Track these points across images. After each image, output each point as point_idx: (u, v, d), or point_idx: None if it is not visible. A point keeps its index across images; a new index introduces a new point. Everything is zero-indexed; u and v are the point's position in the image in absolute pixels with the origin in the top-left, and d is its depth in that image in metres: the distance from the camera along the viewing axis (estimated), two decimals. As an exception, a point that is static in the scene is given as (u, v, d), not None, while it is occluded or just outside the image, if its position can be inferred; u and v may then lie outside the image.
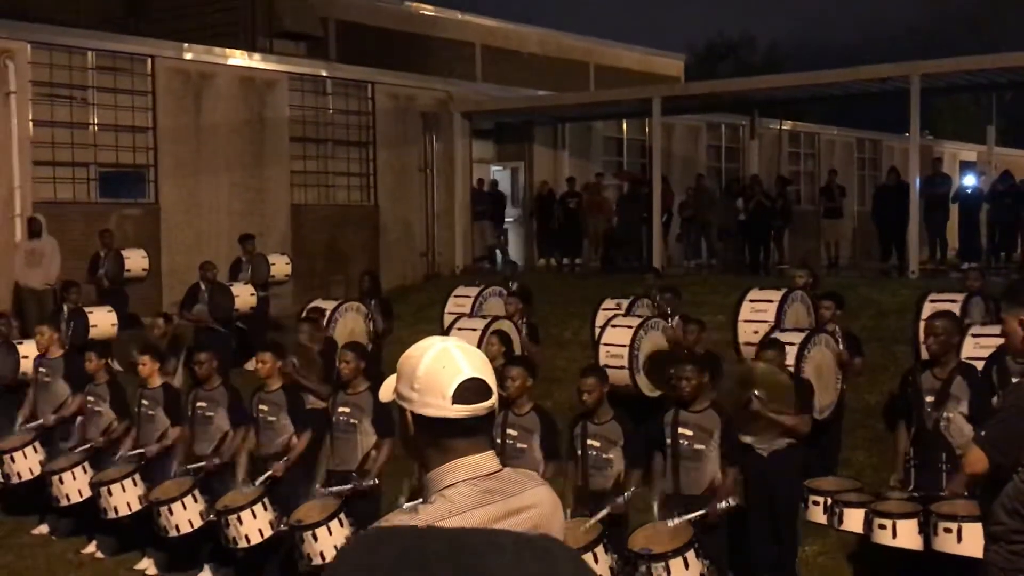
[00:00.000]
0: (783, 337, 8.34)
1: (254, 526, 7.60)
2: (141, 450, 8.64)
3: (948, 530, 5.89)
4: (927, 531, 6.06)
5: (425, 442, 2.24)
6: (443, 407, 2.20)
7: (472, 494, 2.15)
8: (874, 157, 28.71)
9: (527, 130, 21.92)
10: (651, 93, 19.19)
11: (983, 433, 4.07)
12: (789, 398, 7.25)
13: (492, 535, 1.10)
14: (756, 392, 7.13)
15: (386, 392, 2.34)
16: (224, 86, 17.13)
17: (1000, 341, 7.77)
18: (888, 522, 6.17)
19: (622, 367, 9.30)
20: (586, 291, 14.44)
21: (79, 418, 9.48)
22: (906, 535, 6.13)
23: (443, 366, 2.21)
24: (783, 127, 25.60)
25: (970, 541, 5.81)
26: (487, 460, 2.23)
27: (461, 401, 2.19)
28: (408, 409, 2.25)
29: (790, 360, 8.12)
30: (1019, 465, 3.89)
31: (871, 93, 19.46)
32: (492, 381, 2.26)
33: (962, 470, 5.62)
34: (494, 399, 2.25)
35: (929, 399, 6.42)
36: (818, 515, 6.73)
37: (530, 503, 2.23)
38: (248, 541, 7.61)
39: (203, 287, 13.10)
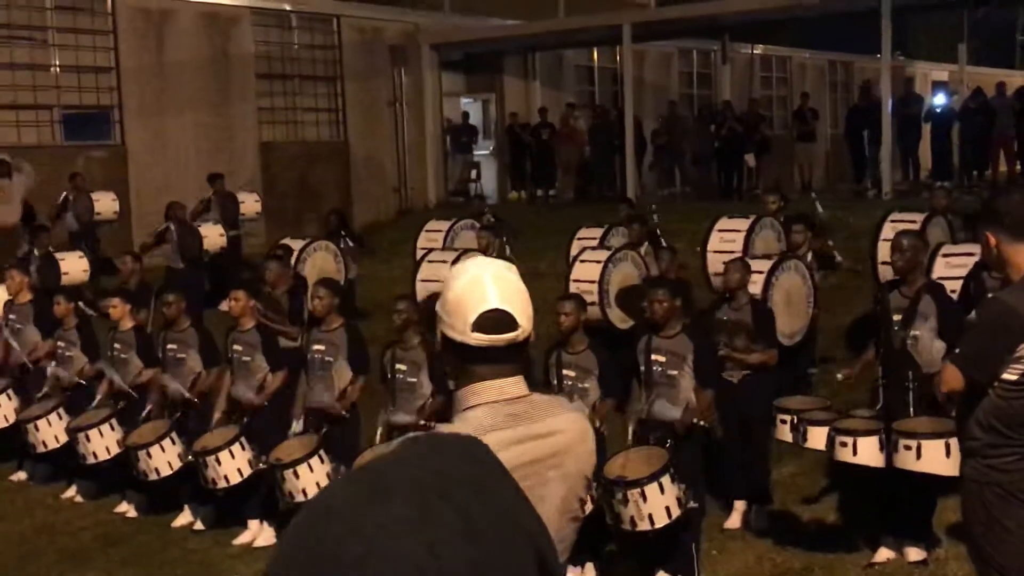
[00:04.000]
0: (752, 265, 8.32)
1: (233, 466, 7.61)
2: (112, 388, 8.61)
3: (908, 447, 5.94)
4: (888, 448, 6.11)
5: (452, 363, 2.31)
6: (464, 333, 2.25)
7: (492, 416, 2.21)
8: (846, 80, 28.57)
9: (497, 61, 21.67)
10: (621, 19, 18.98)
11: (957, 350, 4.08)
12: (750, 332, 7.34)
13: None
14: (721, 339, 7.21)
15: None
16: (186, 23, 16.82)
17: (973, 259, 7.83)
18: (849, 439, 6.21)
19: (592, 303, 9.28)
20: (560, 222, 14.39)
21: (52, 363, 9.41)
22: (867, 452, 6.18)
23: (470, 293, 2.26)
24: (755, 51, 25.41)
25: (929, 458, 5.88)
26: (512, 385, 2.27)
27: (481, 330, 2.24)
28: (439, 328, 2.32)
29: (758, 288, 8.13)
30: (994, 380, 3.91)
31: (842, 14, 19.30)
32: (522, 313, 2.28)
33: (937, 387, 5.68)
34: (519, 332, 2.27)
35: (897, 318, 6.44)
36: (785, 433, 6.78)
37: (556, 428, 2.28)
38: (227, 481, 7.62)
39: (171, 227, 12.97)
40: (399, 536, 0.98)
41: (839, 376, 7.41)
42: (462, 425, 2.18)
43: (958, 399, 4.19)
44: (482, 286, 2.26)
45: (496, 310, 2.24)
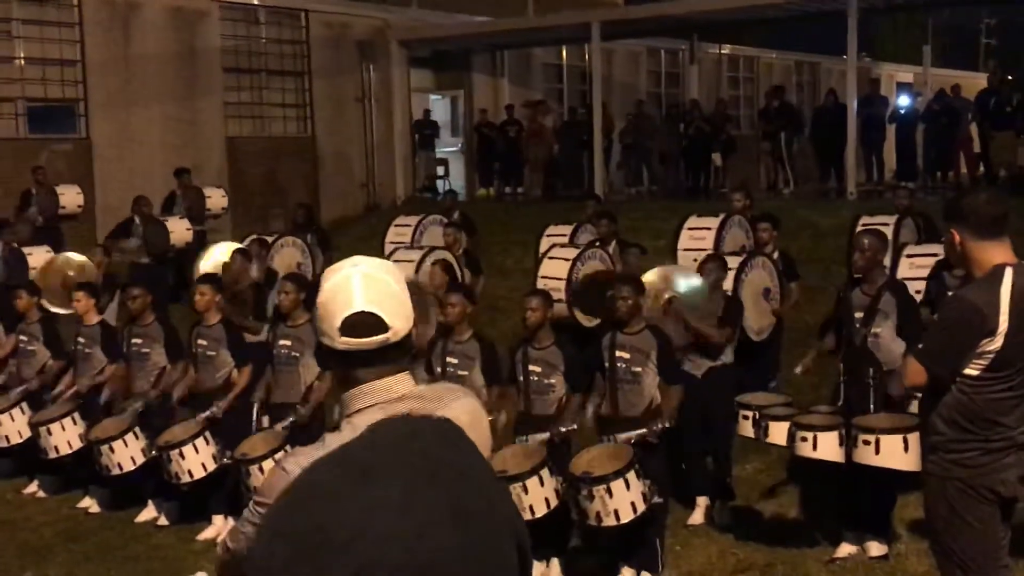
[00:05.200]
0: (720, 262, 8.40)
1: (197, 461, 7.58)
2: (74, 388, 8.55)
3: (867, 442, 6.01)
4: (848, 444, 6.18)
5: (331, 366, 2.25)
6: (332, 338, 2.19)
7: (384, 416, 2.10)
8: (812, 80, 28.78)
9: (466, 58, 21.65)
10: (590, 17, 19.01)
11: (920, 346, 4.13)
12: (715, 319, 7.42)
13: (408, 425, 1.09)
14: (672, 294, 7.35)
15: None
16: (153, 16, 16.70)
17: (936, 259, 7.93)
18: (809, 435, 6.28)
19: (560, 300, 9.31)
20: (528, 219, 14.42)
21: (12, 359, 9.32)
22: (827, 447, 6.25)
23: (336, 296, 2.19)
24: (723, 51, 25.54)
25: (888, 453, 5.95)
26: (397, 382, 2.20)
27: (348, 334, 2.17)
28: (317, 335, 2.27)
29: (728, 284, 8.20)
30: (957, 375, 3.96)
31: (809, 14, 19.43)
32: (393, 314, 2.20)
33: (899, 382, 5.76)
34: (390, 334, 2.18)
35: (858, 315, 6.52)
36: (747, 429, 6.85)
37: (450, 417, 2.19)
38: (191, 476, 7.58)
39: (137, 222, 12.88)
40: (387, 519, 0.98)
41: (796, 370, 7.50)
42: (351, 431, 2.03)
43: (923, 395, 4.25)
44: (348, 288, 2.19)
45: (362, 312, 2.17)
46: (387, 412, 2.11)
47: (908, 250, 8.73)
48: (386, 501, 1.01)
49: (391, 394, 2.18)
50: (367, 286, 2.19)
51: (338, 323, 2.17)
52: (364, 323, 2.17)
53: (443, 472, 1.07)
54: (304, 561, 0.97)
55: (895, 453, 5.92)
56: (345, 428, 2.12)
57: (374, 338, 2.17)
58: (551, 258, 9.86)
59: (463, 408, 2.24)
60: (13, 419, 8.75)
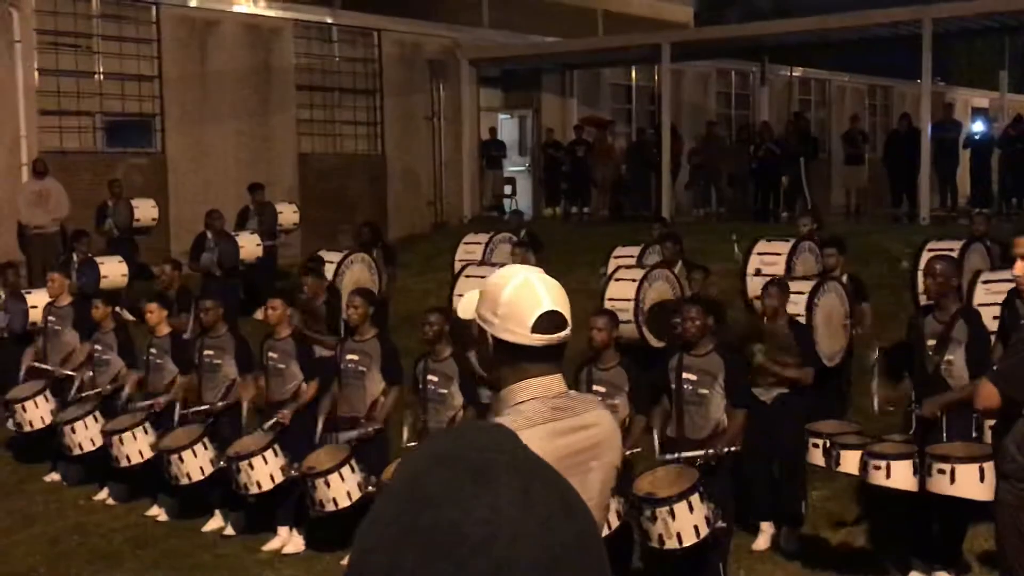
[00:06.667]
0: (792, 286, 8.30)
1: (265, 472, 7.66)
2: (150, 402, 8.69)
3: (942, 471, 5.90)
4: (922, 472, 6.07)
5: (501, 362, 2.44)
6: (523, 335, 2.39)
7: (542, 410, 2.36)
8: (885, 104, 28.43)
9: (535, 77, 21.73)
10: (660, 39, 19.01)
11: (996, 368, 4.05)
12: (792, 350, 7.30)
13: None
14: (758, 346, 7.17)
15: (466, 310, 2.52)
16: (229, 33, 17.02)
17: (1011, 285, 7.77)
18: (882, 463, 6.18)
19: (628, 320, 9.27)
20: (594, 240, 14.41)
21: (87, 366, 9.52)
22: (900, 476, 6.14)
23: (525, 297, 2.40)
24: (793, 74, 25.35)
25: (963, 482, 5.84)
26: (556, 382, 2.44)
27: (540, 331, 2.39)
28: (489, 332, 2.43)
29: (800, 309, 8.10)
30: None
31: (882, 38, 19.26)
32: (568, 313, 2.44)
33: (932, 405, 5.67)
34: (568, 330, 2.44)
35: (931, 342, 6.41)
36: (817, 457, 6.74)
37: (593, 422, 2.46)
38: (259, 487, 7.67)
39: (210, 236, 13.10)
40: (514, 516, 1.01)
41: (875, 408, 7.34)
42: (515, 417, 2.32)
43: (996, 422, 4.17)
44: (534, 289, 2.41)
45: (552, 311, 2.40)
46: (544, 406, 2.37)
47: (984, 276, 8.56)
48: (511, 501, 1.03)
49: (549, 391, 2.42)
50: (548, 288, 2.43)
51: (531, 321, 2.38)
52: (553, 320, 2.41)
53: (540, 469, 1.10)
54: (440, 560, 0.99)
55: (971, 483, 5.81)
56: (511, 415, 2.36)
57: (559, 334, 2.42)
58: (618, 280, 9.84)
59: (607, 415, 2.53)
60: (87, 427, 8.92)
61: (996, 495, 4.14)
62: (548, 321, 2.39)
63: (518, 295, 2.40)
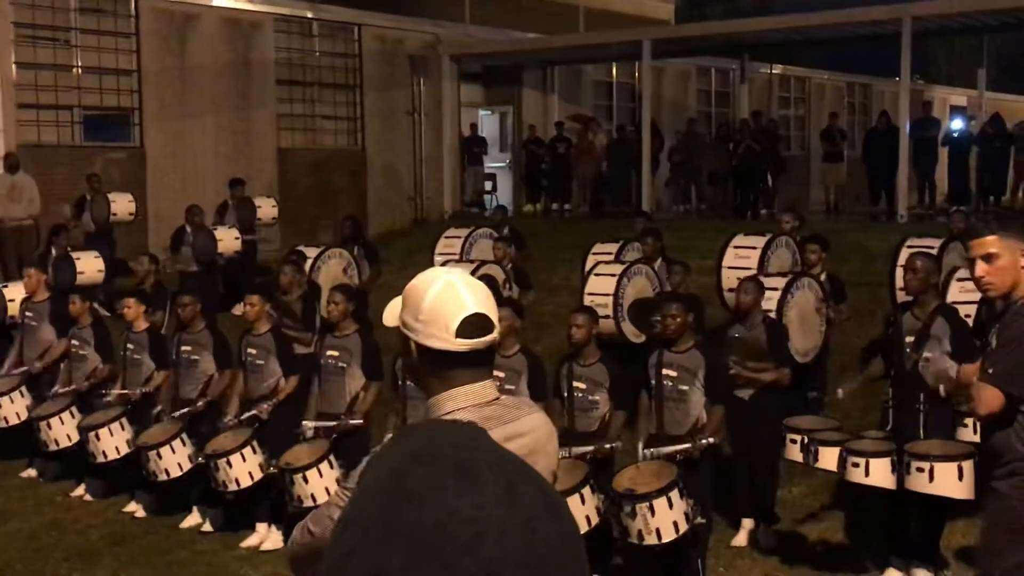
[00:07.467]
0: (767, 282, 8.32)
1: (244, 469, 7.63)
2: (126, 391, 8.64)
3: (920, 469, 5.93)
4: (900, 470, 6.10)
5: (427, 371, 2.33)
6: (447, 340, 2.28)
7: (473, 420, 2.23)
8: (864, 101, 28.55)
9: (516, 73, 21.71)
10: (641, 36, 19.01)
11: (991, 370, 4.02)
12: (765, 356, 7.33)
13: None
14: (732, 358, 7.20)
15: (390, 317, 2.41)
16: (208, 27, 16.93)
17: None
18: (861, 460, 6.20)
19: (607, 316, 9.28)
20: (575, 236, 14.40)
21: (64, 362, 9.46)
22: (879, 473, 6.17)
23: (448, 300, 2.29)
24: (773, 71, 25.42)
25: (942, 480, 5.87)
26: (486, 388, 2.33)
27: (464, 335, 2.28)
28: (413, 339, 2.32)
29: (773, 304, 8.13)
30: None
31: (862, 36, 19.32)
32: (495, 315, 2.34)
33: (975, 410, 5.66)
34: (496, 333, 2.34)
35: (909, 339, 6.44)
36: (795, 453, 6.77)
37: (526, 429, 2.35)
38: (238, 484, 7.64)
39: (189, 231, 13.04)
40: (500, 515, 0.99)
41: (839, 393, 7.41)
42: None
43: (990, 421, 4.13)
44: (457, 292, 2.31)
45: (476, 314, 2.29)
46: (477, 414, 2.26)
47: (959, 273, 8.59)
48: (495, 496, 1.02)
49: (480, 398, 2.31)
50: (472, 290, 2.32)
51: (455, 325, 2.27)
52: (478, 323, 2.29)
53: (519, 467, 1.09)
54: (428, 560, 0.97)
55: (949, 481, 5.84)
56: None
57: (485, 338, 2.31)
58: (597, 275, 9.84)
59: (541, 419, 2.42)
60: (63, 423, 8.87)
61: (997, 490, 4.08)
62: (473, 325, 2.28)
63: (440, 299, 2.29)
